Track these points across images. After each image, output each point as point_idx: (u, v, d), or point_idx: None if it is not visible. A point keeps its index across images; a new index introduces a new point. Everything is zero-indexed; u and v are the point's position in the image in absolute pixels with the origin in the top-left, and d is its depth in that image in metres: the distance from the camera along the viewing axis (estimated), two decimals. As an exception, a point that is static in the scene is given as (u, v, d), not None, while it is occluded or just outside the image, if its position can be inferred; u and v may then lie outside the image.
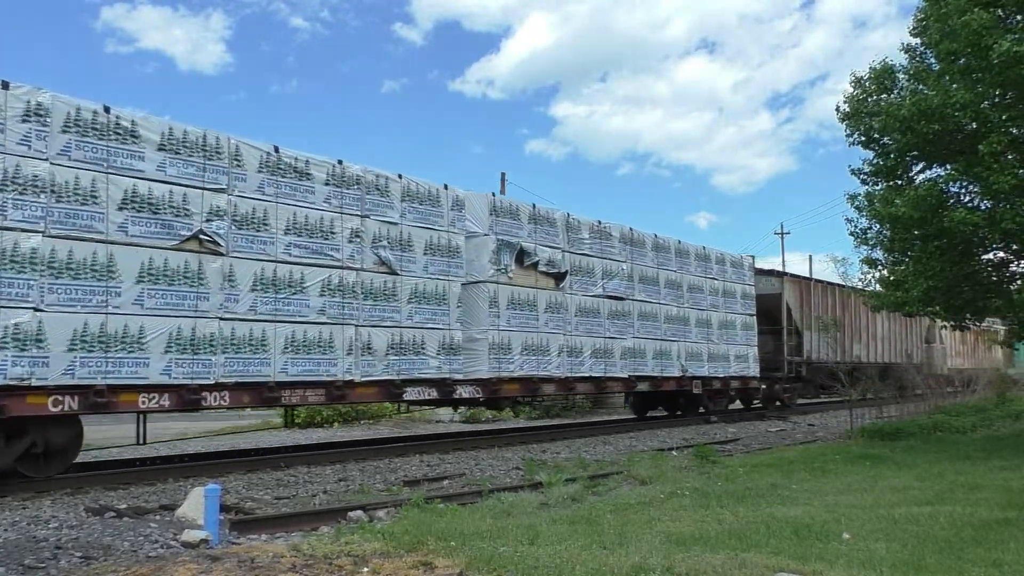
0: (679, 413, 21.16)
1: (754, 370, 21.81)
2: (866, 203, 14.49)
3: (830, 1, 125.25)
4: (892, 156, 13.98)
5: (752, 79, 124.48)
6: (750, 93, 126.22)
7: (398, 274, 12.75)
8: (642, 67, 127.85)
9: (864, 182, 14.83)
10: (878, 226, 14.59)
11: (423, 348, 13.00)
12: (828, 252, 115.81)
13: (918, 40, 14.02)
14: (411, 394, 12.91)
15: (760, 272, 24.07)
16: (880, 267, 15.49)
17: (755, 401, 23.99)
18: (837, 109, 14.53)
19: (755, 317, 22.15)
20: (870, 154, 14.48)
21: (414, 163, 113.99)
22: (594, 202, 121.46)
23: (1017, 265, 14.65)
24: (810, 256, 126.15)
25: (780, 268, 25.07)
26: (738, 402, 23.65)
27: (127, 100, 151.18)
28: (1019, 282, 14.21)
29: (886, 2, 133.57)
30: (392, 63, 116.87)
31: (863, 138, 14.23)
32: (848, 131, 14.43)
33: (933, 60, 13.68)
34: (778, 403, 24.04)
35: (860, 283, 17.77)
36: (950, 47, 12.18)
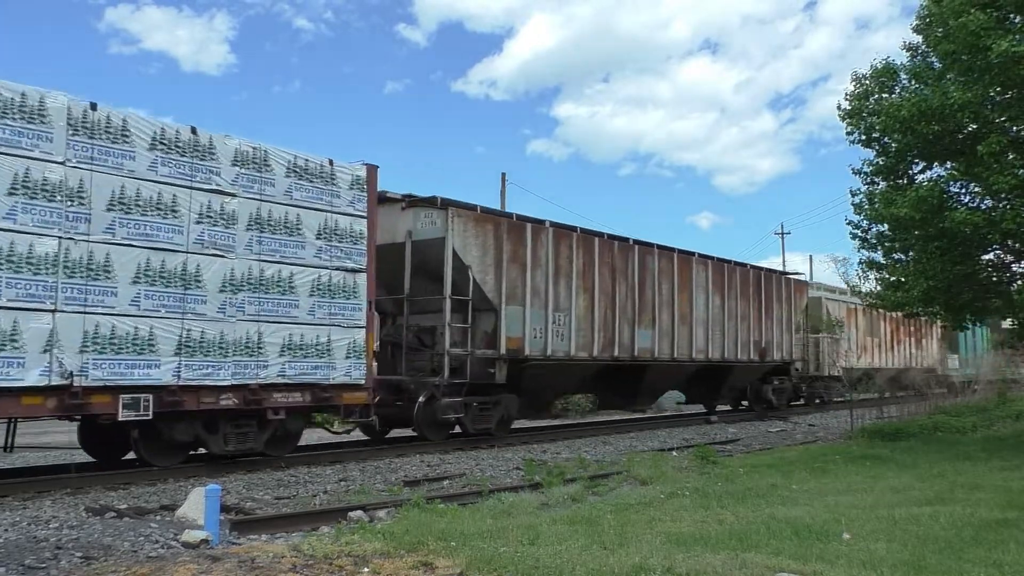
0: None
1: (348, 372, 11.89)
2: (867, 201, 14.51)
3: (833, 2, 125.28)
4: (892, 155, 14.01)
5: (754, 80, 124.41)
6: (752, 94, 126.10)
7: None
8: (645, 68, 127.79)
9: (865, 181, 14.86)
10: (878, 226, 14.62)
11: None
12: (829, 252, 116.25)
13: (920, 37, 14.04)
14: None
15: (415, 203, 13.95)
16: (882, 269, 15.51)
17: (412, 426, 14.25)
18: (839, 107, 14.57)
19: (363, 275, 12.20)
20: (871, 153, 14.52)
21: (416, 163, 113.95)
22: (596, 203, 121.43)
23: (1017, 265, 14.68)
24: (811, 256, 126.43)
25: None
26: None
27: (130, 101, 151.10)
28: (1019, 282, 14.23)
29: (889, 3, 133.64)
30: (395, 64, 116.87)
31: (863, 137, 14.26)
32: (849, 129, 14.46)
33: (935, 59, 13.71)
34: (458, 430, 14.58)
35: (859, 284, 17.81)
36: (948, 48, 12.20)
